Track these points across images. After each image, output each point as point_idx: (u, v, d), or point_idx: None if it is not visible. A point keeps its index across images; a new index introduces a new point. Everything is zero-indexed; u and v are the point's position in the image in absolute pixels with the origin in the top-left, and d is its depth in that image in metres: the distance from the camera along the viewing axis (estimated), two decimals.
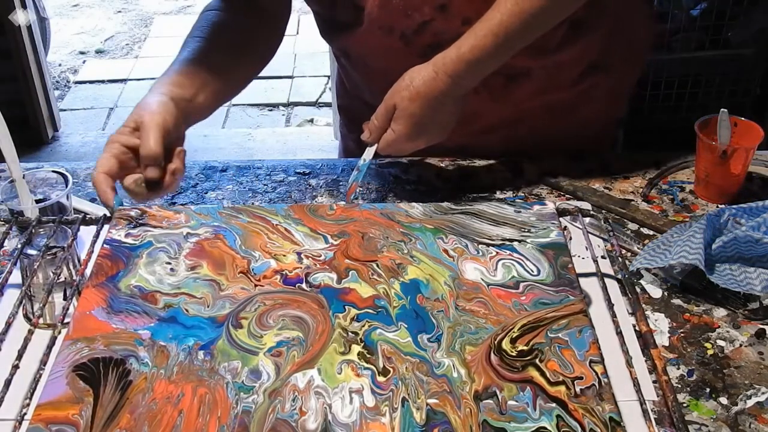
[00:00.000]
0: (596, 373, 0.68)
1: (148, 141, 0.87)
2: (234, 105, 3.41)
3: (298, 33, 3.94)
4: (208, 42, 1.02)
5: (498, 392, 0.66)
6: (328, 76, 3.48)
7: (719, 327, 0.83)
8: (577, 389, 0.66)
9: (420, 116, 0.94)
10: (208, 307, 0.75)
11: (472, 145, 1.12)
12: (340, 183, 1.09)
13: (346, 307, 0.75)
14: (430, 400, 0.66)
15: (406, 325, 0.73)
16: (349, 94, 1.22)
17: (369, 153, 0.98)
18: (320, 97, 3.50)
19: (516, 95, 1.07)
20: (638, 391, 0.69)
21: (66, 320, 0.76)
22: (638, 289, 0.87)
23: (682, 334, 0.82)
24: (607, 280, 0.83)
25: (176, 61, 1.00)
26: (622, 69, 1.13)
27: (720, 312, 0.85)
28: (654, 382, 0.74)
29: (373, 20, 1.00)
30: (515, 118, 1.11)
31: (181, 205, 1.05)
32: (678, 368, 0.78)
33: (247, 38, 1.05)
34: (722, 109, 1.00)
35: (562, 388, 0.66)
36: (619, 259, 0.84)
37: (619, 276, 0.85)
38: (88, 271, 0.80)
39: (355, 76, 1.16)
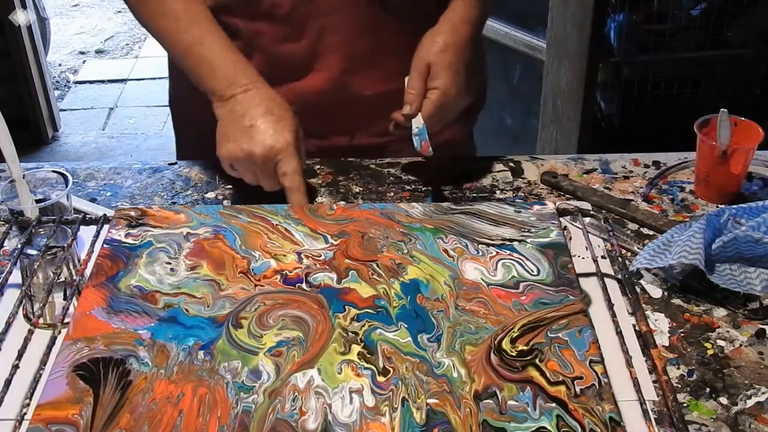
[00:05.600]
0: (596, 373, 0.68)
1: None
2: None
3: None
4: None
5: (498, 392, 0.66)
6: None
7: (719, 327, 0.83)
8: (577, 389, 0.66)
9: (456, 64, 0.97)
10: (208, 307, 0.75)
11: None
12: (340, 183, 1.09)
13: (346, 307, 0.75)
14: (430, 400, 0.65)
15: (406, 325, 0.73)
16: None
17: (418, 121, 0.98)
18: None
19: None
20: (638, 391, 0.69)
21: (66, 320, 0.76)
22: (638, 289, 0.87)
23: (682, 334, 0.82)
24: (607, 280, 0.83)
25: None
26: None
27: (720, 312, 0.85)
28: (654, 382, 0.74)
29: None
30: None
31: (181, 205, 1.05)
32: (678, 368, 0.78)
33: None
34: (722, 109, 1.00)
35: (562, 388, 0.66)
36: (619, 259, 0.84)
37: (619, 276, 0.85)
38: (88, 271, 0.80)
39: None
